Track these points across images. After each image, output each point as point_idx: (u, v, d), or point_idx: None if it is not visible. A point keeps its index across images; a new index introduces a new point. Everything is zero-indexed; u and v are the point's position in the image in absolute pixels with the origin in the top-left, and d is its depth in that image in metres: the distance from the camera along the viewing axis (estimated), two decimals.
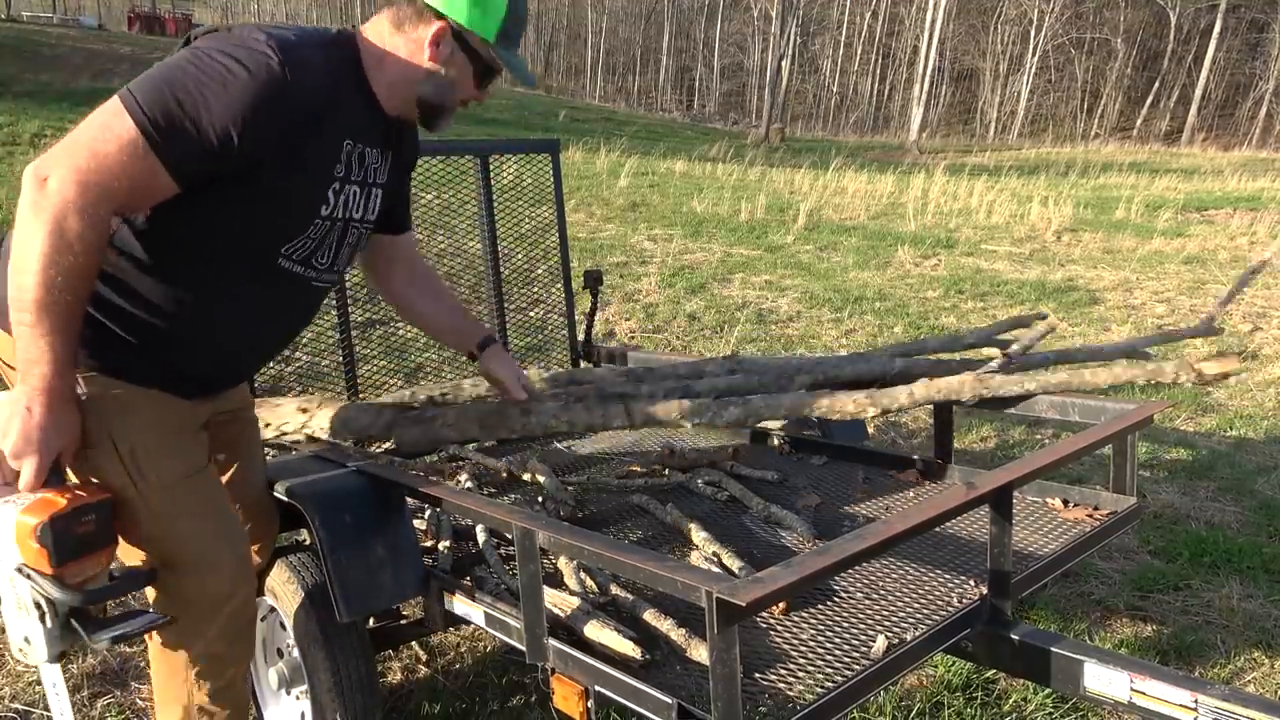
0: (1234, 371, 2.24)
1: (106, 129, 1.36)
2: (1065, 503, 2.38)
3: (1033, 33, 44.94)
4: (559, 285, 3.42)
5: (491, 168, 3.16)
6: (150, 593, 1.68)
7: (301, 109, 1.47)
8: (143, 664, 2.54)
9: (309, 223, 1.60)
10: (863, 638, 1.72)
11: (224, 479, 1.89)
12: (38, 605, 1.40)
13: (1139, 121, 44.40)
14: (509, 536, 1.70)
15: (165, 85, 1.38)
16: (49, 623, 1.41)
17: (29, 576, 1.39)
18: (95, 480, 1.55)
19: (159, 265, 1.53)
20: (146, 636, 1.69)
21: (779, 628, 1.79)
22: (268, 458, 2.11)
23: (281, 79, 1.42)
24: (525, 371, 2.30)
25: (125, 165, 1.36)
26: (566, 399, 2.33)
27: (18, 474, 1.44)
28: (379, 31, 1.64)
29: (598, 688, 1.55)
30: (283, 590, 1.98)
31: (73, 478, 1.55)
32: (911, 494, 2.56)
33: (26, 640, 1.44)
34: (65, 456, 1.47)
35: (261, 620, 2.21)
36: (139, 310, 1.54)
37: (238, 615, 1.74)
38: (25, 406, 1.38)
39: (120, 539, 1.57)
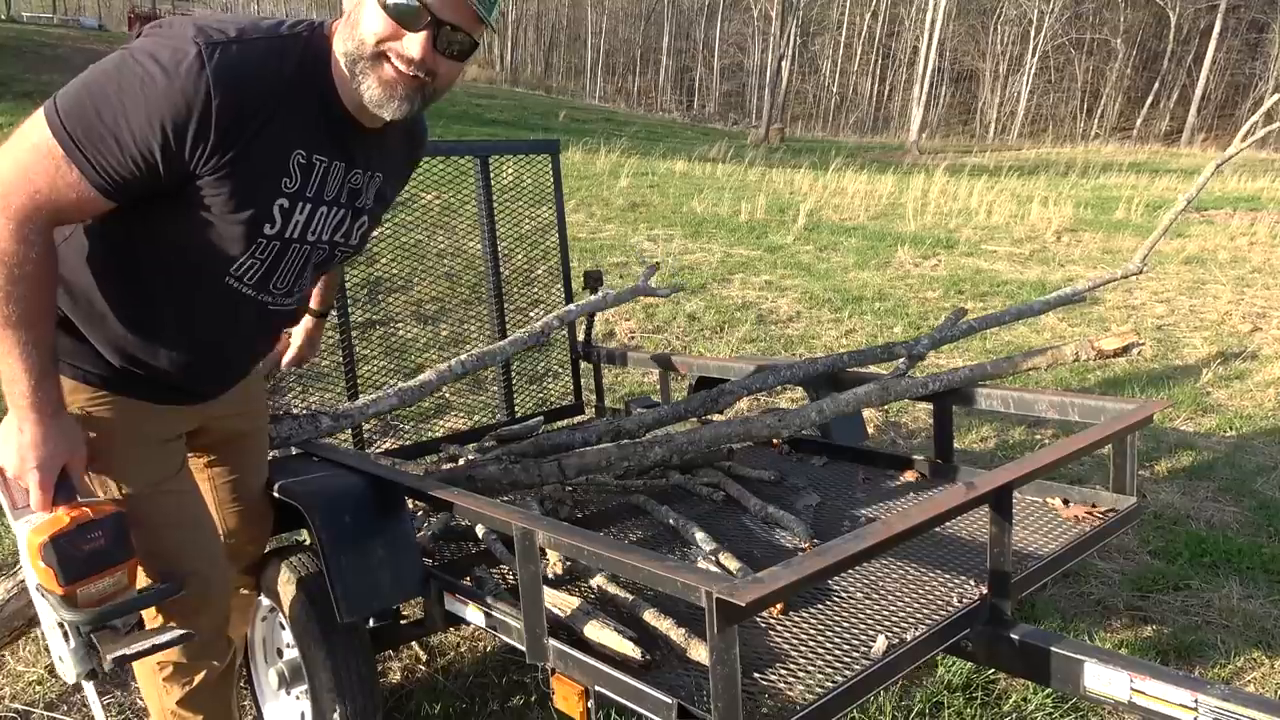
0: (1132, 344, 2.32)
1: (27, 142, 1.28)
2: (1065, 503, 2.38)
3: (1032, 33, 44.94)
4: (559, 285, 3.42)
5: (491, 168, 3.16)
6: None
7: (228, 115, 1.30)
8: None
9: (251, 242, 1.44)
10: (863, 638, 1.72)
11: (219, 482, 1.89)
12: (60, 625, 1.38)
13: (1139, 122, 44.40)
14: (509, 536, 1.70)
15: (87, 95, 1.28)
16: (72, 642, 1.38)
17: (44, 597, 1.37)
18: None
19: (113, 273, 1.47)
20: None
21: (779, 628, 1.79)
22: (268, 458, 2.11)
23: (203, 82, 1.26)
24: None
25: (49, 179, 1.28)
26: (506, 461, 2.38)
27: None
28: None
29: (598, 688, 1.55)
30: (283, 590, 1.98)
31: (98, 491, 1.52)
32: (911, 494, 2.56)
33: (60, 659, 1.42)
34: (75, 467, 1.43)
35: (261, 620, 2.21)
36: (97, 316, 1.49)
37: (211, 624, 1.73)
38: (17, 426, 1.36)
39: None
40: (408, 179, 1.81)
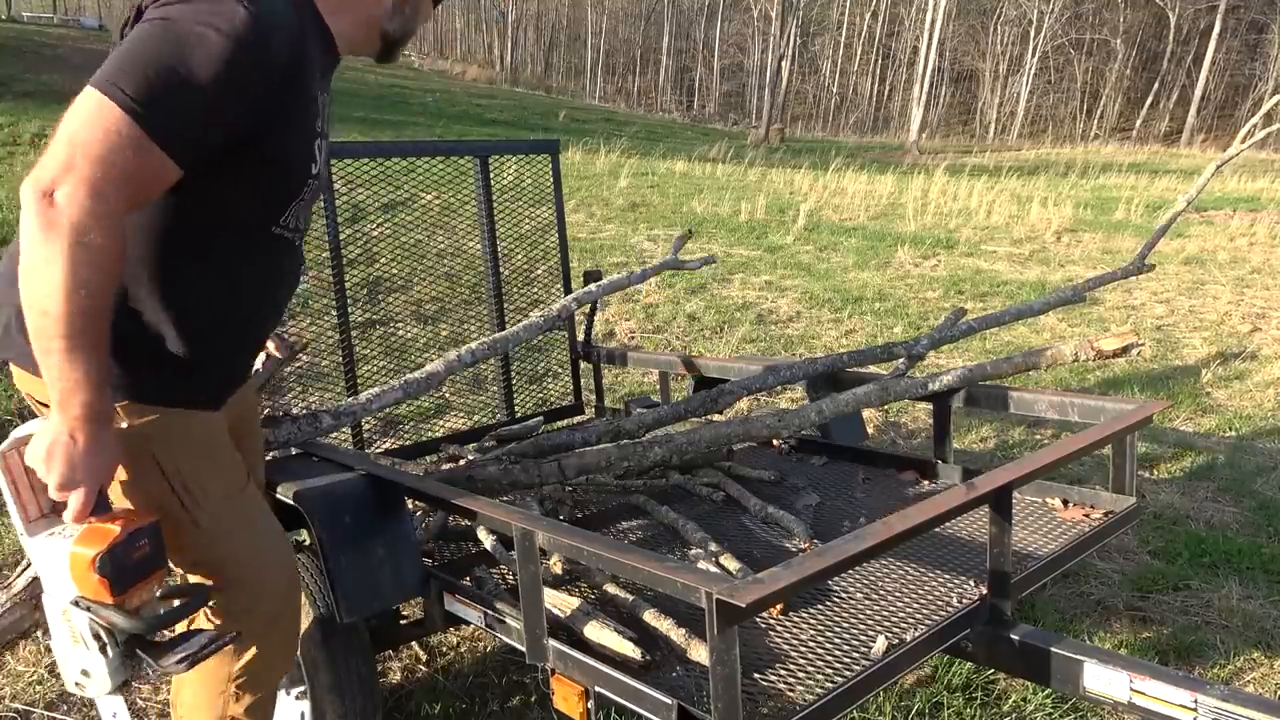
0: (1131, 344, 2.33)
1: (97, 126, 1.23)
2: (1065, 503, 2.38)
3: (1032, 33, 44.94)
4: (559, 285, 3.42)
5: (491, 168, 3.16)
6: (203, 611, 1.63)
7: (283, 63, 1.36)
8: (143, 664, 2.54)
9: (304, 185, 1.52)
10: (863, 638, 1.72)
11: None
12: (97, 636, 1.35)
13: (1138, 122, 44.40)
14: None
15: (144, 65, 1.25)
16: (110, 653, 1.35)
17: (88, 608, 1.33)
18: (140, 505, 1.49)
19: (159, 261, 1.44)
20: None
21: (779, 628, 1.79)
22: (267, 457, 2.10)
23: (260, 34, 1.30)
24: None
25: (128, 160, 1.24)
26: (506, 461, 2.37)
27: (56, 504, 1.37)
28: None
29: (598, 688, 1.55)
30: None
31: (123, 502, 1.50)
32: (911, 494, 2.56)
33: (84, 673, 1.39)
34: (108, 481, 1.40)
35: None
36: (150, 317, 1.46)
37: (288, 629, 1.71)
38: (68, 435, 1.29)
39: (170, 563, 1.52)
40: None
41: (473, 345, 2.69)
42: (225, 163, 1.38)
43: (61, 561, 1.33)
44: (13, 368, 1.48)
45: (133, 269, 1.42)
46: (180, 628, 1.61)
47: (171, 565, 1.54)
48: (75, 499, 1.32)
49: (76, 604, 1.34)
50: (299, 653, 1.96)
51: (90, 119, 1.24)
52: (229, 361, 1.62)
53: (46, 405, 1.36)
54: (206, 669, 1.62)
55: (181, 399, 1.52)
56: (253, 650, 1.64)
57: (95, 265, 1.23)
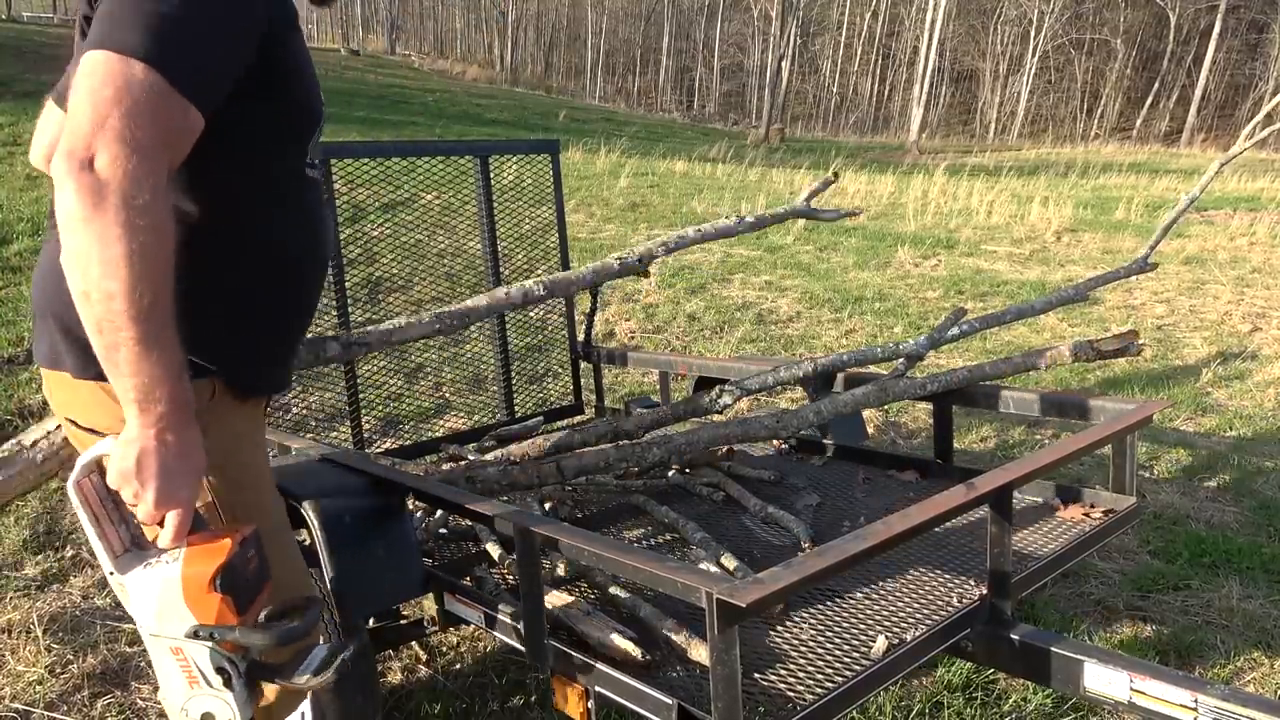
0: (1131, 344, 2.34)
1: (119, 80, 1.11)
2: (1065, 503, 2.38)
3: (1032, 33, 44.94)
4: None
5: (491, 168, 3.16)
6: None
7: None
8: (143, 664, 2.54)
9: (319, 115, 1.44)
10: (863, 638, 1.72)
11: None
12: (221, 670, 1.20)
13: (1139, 122, 44.40)
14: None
15: (143, 14, 1.15)
16: (236, 685, 1.20)
17: (210, 636, 1.19)
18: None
19: (202, 221, 1.32)
20: None
21: (779, 628, 1.79)
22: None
23: None
24: None
25: (159, 110, 1.12)
26: (505, 461, 2.38)
27: (135, 536, 1.24)
28: None
29: (598, 688, 1.55)
30: None
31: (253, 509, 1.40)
32: (911, 494, 2.56)
33: (212, 715, 1.23)
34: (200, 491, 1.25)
35: None
36: (203, 285, 1.32)
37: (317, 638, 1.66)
38: (156, 440, 1.13)
39: None
40: None
41: (527, 283, 2.53)
42: (243, 110, 1.29)
43: (172, 592, 1.17)
44: (54, 383, 1.36)
45: (182, 236, 1.27)
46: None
47: None
48: (173, 517, 1.17)
49: (196, 635, 1.19)
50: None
51: (109, 75, 1.11)
52: (286, 331, 1.51)
53: (92, 430, 1.27)
54: None
55: (249, 378, 1.41)
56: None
57: (155, 230, 1.10)
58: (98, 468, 1.21)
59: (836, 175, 3.19)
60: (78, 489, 1.20)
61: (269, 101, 1.34)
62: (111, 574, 1.22)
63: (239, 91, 1.26)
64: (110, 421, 1.25)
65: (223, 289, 1.36)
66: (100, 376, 1.18)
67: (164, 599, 1.18)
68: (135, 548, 1.24)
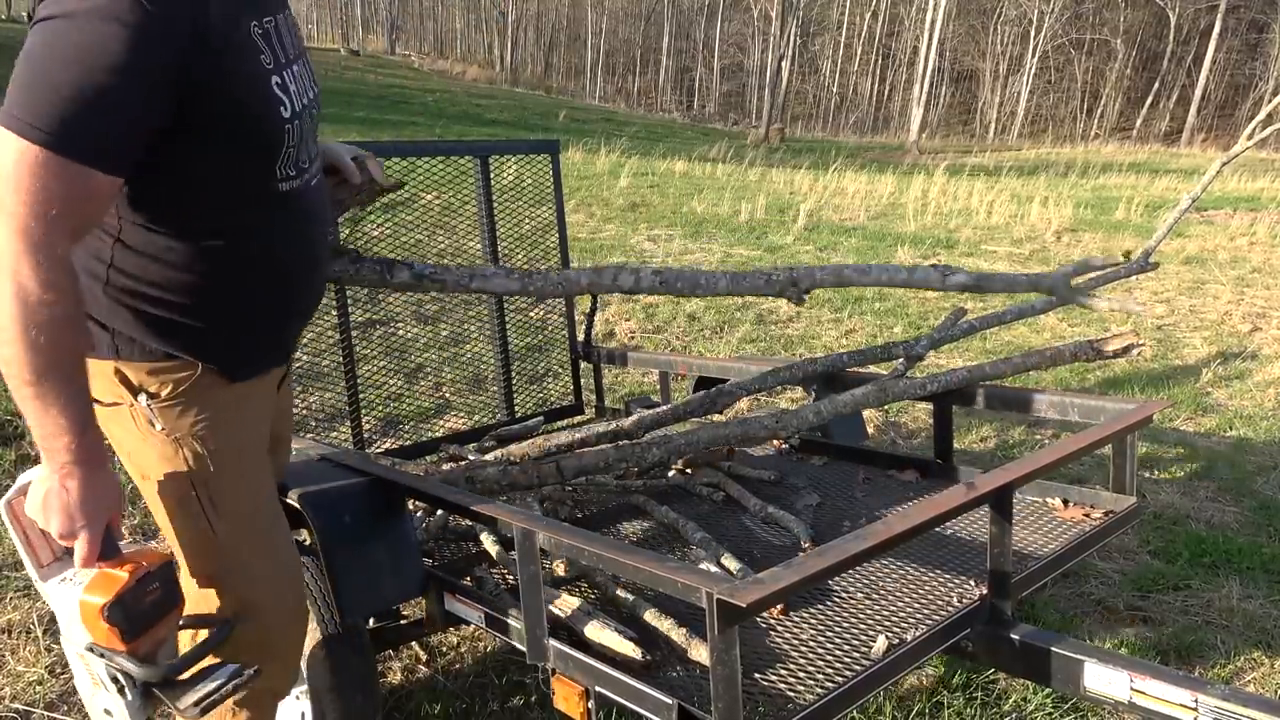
0: (1132, 344, 2.32)
1: (13, 165, 1.16)
2: (1065, 503, 2.38)
3: (1032, 33, 44.94)
4: None
5: (491, 168, 3.16)
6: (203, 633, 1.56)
7: (187, 20, 1.23)
8: None
9: (281, 132, 1.40)
10: (863, 638, 1.72)
11: None
12: (115, 680, 1.33)
13: (1138, 122, 44.39)
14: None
15: (47, 85, 1.17)
16: (129, 695, 1.33)
17: (102, 654, 1.31)
18: (163, 510, 1.46)
19: (172, 232, 1.37)
20: None
21: (779, 628, 1.79)
22: None
23: (147, 10, 1.19)
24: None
25: (53, 192, 1.16)
26: (505, 462, 2.37)
27: (68, 547, 1.33)
28: None
29: (598, 688, 1.55)
30: None
31: (146, 486, 1.46)
32: (911, 494, 2.56)
33: (107, 712, 1.38)
34: (116, 519, 1.35)
35: None
36: (185, 284, 1.39)
37: (291, 655, 1.68)
38: (59, 484, 1.24)
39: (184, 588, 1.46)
40: None
41: (568, 272, 2.31)
42: (187, 141, 1.30)
43: (74, 610, 1.31)
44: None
45: (147, 238, 1.35)
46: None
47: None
48: (80, 546, 1.28)
49: (91, 650, 1.31)
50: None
51: (5, 160, 1.17)
52: (272, 326, 1.54)
53: (96, 401, 1.33)
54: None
55: (232, 361, 1.45)
56: (260, 676, 1.56)
57: (42, 303, 1.17)
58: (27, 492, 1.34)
59: (1128, 255, 2.51)
60: (8, 508, 1.37)
61: (211, 130, 1.32)
62: (36, 581, 1.37)
63: (176, 128, 1.27)
64: (101, 396, 1.40)
65: (201, 301, 1.41)
66: (94, 353, 1.34)
67: (69, 614, 1.33)
68: (65, 557, 1.38)
